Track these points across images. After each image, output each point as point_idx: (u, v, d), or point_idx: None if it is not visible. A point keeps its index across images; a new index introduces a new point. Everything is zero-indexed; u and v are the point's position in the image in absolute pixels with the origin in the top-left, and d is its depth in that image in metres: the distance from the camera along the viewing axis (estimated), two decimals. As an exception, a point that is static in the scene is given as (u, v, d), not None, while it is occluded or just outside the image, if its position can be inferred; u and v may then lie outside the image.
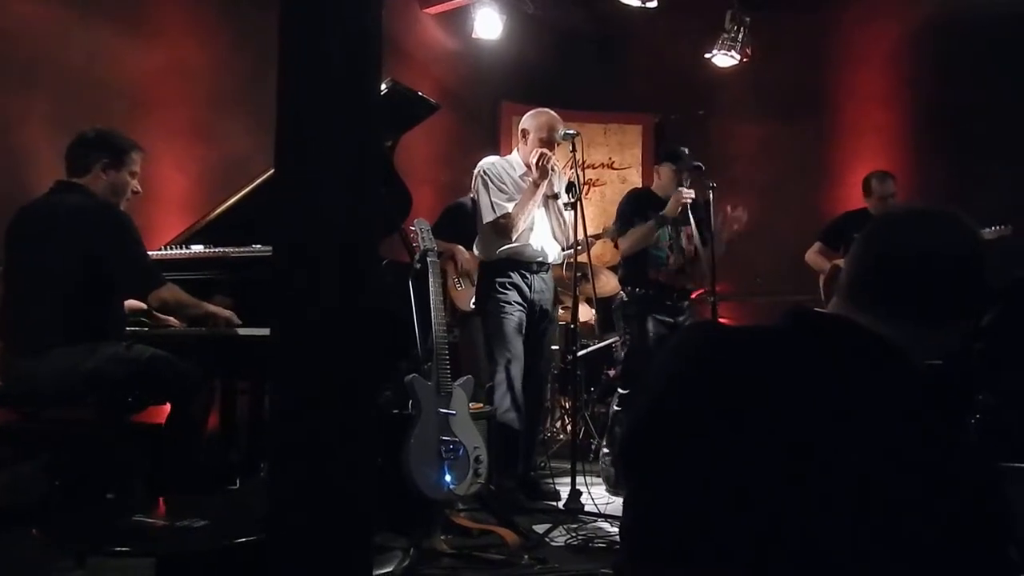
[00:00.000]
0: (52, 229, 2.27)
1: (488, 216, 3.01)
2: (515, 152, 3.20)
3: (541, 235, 3.10)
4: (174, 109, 3.64)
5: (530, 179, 3.03)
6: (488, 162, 3.12)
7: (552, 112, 3.12)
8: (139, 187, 2.45)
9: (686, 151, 3.40)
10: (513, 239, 3.01)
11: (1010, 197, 4.04)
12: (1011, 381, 2.83)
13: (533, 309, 3.06)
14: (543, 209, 3.10)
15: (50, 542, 2.05)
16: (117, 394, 2.23)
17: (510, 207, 2.99)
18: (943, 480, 0.74)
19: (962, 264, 0.88)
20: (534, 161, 2.99)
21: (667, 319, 3.34)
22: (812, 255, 4.04)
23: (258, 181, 2.79)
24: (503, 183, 3.06)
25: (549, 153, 3.01)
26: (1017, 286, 2.72)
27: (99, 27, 3.43)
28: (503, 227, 2.99)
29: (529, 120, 3.11)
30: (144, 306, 2.53)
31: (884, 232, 0.93)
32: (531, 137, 3.06)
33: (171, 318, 2.56)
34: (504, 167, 3.11)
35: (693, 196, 3.27)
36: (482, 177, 3.06)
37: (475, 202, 3.19)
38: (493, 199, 3.01)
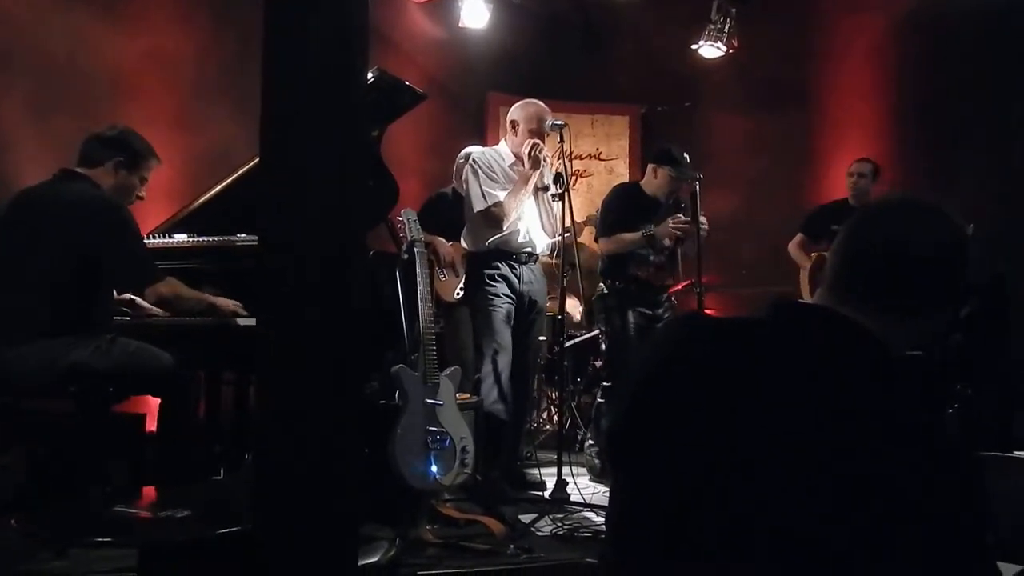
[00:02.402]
0: (47, 217, 2.23)
1: (479, 205, 2.98)
2: (502, 143, 3.18)
3: (530, 226, 3.08)
4: (156, 96, 3.59)
5: (521, 169, 3.00)
6: (477, 151, 3.10)
7: (540, 103, 3.11)
8: (144, 194, 2.43)
9: (687, 158, 3.38)
10: (504, 229, 2.99)
11: (992, 190, 4.09)
12: (987, 372, 2.89)
13: (522, 300, 3.05)
14: (532, 200, 3.08)
15: (30, 533, 2.03)
16: (98, 387, 2.20)
17: (502, 195, 2.97)
18: (922, 470, 0.75)
19: (944, 256, 0.89)
20: (527, 152, 2.97)
21: (647, 311, 3.36)
22: (793, 247, 4.08)
23: (242, 170, 2.76)
24: (493, 172, 3.03)
25: (541, 144, 2.99)
26: (994, 280, 2.77)
27: (79, 13, 3.37)
28: (495, 216, 2.96)
29: (518, 111, 3.09)
30: (127, 296, 2.51)
31: (867, 224, 0.93)
32: (521, 128, 3.04)
33: (155, 308, 2.53)
34: (493, 157, 3.08)
35: (683, 234, 3.24)
36: (472, 166, 3.03)
37: (457, 192, 3.15)
38: (484, 188, 2.98)
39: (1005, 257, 2.77)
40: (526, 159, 2.98)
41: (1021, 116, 4.19)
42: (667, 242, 3.40)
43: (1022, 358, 2.93)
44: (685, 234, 3.27)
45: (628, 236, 3.31)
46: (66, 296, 2.21)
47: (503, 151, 3.12)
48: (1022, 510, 1.84)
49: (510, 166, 3.07)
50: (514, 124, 3.07)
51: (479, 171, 3.01)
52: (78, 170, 2.31)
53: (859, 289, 0.89)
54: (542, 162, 2.99)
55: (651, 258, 3.37)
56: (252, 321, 2.36)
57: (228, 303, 2.39)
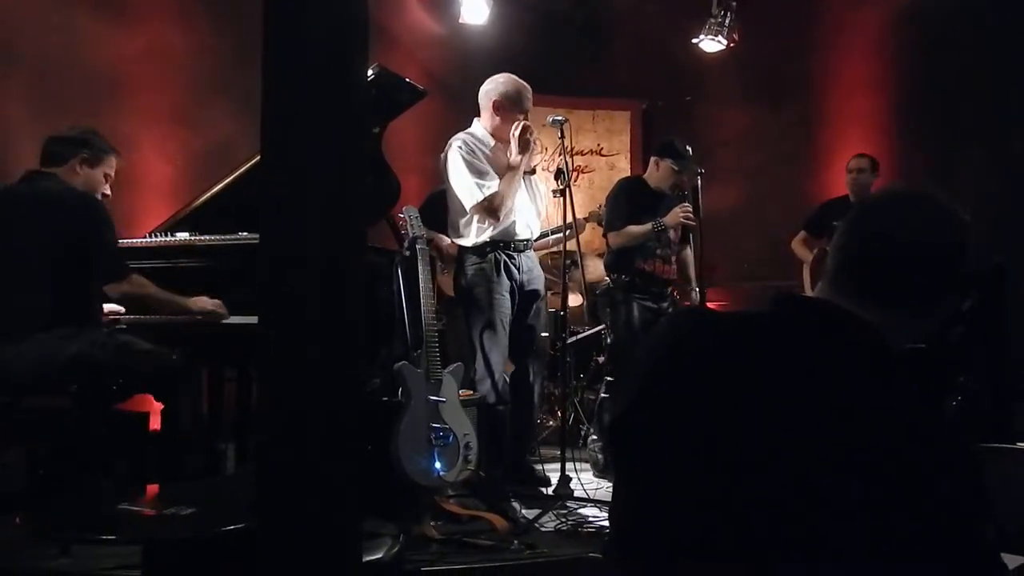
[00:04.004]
0: (27, 215, 2.26)
1: (472, 200, 2.81)
2: (476, 124, 2.98)
3: (524, 212, 2.94)
4: (155, 94, 3.59)
5: (509, 153, 2.84)
6: (459, 140, 2.91)
7: (517, 77, 2.94)
8: (109, 191, 2.47)
9: (689, 151, 3.37)
10: (500, 220, 2.84)
11: (992, 183, 4.08)
12: (988, 363, 2.88)
13: (523, 290, 2.92)
14: (522, 184, 2.93)
15: (35, 530, 2.04)
16: (98, 382, 2.21)
17: (495, 185, 2.80)
18: (923, 463, 0.75)
19: (944, 249, 0.89)
20: (516, 134, 2.80)
21: (651, 304, 3.36)
22: (796, 244, 4.09)
23: (243, 168, 2.76)
24: (480, 161, 2.86)
25: (531, 125, 2.85)
26: (995, 271, 2.76)
27: (78, 10, 3.37)
28: (491, 209, 2.81)
29: (498, 88, 2.89)
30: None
31: (866, 217, 0.93)
32: (507, 108, 2.86)
33: (116, 306, 2.55)
34: (475, 143, 2.90)
35: (693, 222, 3.30)
36: (458, 156, 2.85)
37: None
38: (476, 180, 2.81)
39: (1004, 250, 2.76)
40: (515, 142, 2.80)
41: (1020, 109, 4.18)
42: (672, 234, 3.40)
43: (1022, 349, 2.93)
44: (692, 223, 3.29)
45: (637, 229, 3.31)
46: (57, 291, 2.23)
47: (479, 134, 2.93)
48: (1025, 502, 1.84)
49: (492, 148, 2.90)
50: (496, 105, 2.87)
51: (465, 162, 2.82)
52: (45, 170, 2.35)
53: (859, 283, 0.89)
54: (532, 145, 2.83)
55: (657, 251, 3.38)
56: (241, 319, 2.37)
57: (204, 302, 2.39)
